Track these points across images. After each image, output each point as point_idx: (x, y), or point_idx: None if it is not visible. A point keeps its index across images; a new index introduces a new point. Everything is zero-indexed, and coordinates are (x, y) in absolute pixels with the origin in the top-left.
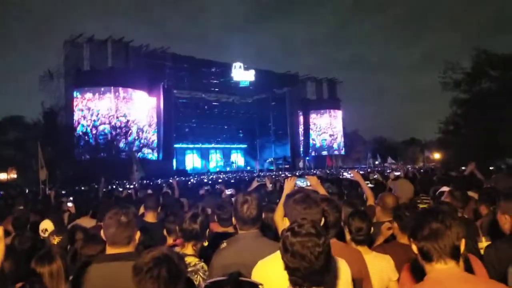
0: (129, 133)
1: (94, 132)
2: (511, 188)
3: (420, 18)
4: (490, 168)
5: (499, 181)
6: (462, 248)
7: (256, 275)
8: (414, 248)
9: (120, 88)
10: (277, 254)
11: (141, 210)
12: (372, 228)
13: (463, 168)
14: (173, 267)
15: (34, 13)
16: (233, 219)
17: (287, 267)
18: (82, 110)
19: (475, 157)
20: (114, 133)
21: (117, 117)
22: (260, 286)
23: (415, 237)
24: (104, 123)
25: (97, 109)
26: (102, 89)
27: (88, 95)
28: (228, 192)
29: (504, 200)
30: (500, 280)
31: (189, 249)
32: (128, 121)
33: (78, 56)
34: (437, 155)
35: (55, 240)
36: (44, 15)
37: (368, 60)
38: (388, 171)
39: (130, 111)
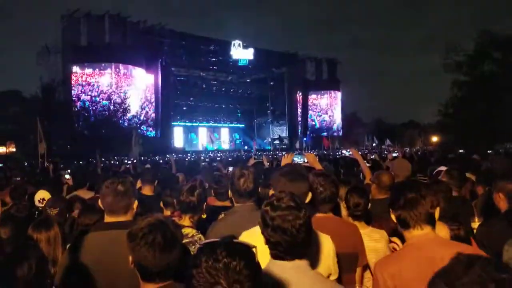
0: (127, 109)
1: (93, 107)
2: (506, 168)
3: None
4: (489, 151)
5: (495, 162)
6: (437, 215)
7: None
8: (393, 217)
9: (120, 65)
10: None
11: (138, 184)
12: (369, 204)
13: (461, 151)
14: (169, 233)
15: None
16: (229, 192)
17: (268, 242)
18: (82, 86)
19: (474, 140)
20: (113, 108)
21: (115, 93)
22: (253, 248)
23: (393, 207)
24: (103, 99)
25: (97, 85)
26: (102, 65)
27: (88, 70)
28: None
29: (499, 179)
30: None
31: (186, 221)
32: (125, 98)
33: (76, 31)
34: (435, 138)
35: (53, 212)
36: None
37: (369, 41)
38: (385, 152)
39: (128, 87)
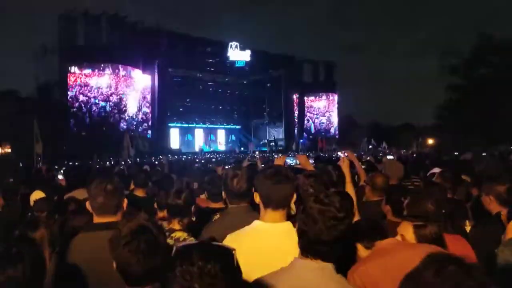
0: (123, 110)
1: (90, 108)
2: (497, 170)
3: (421, 3)
4: (483, 154)
5: (489, 165)
6: None
7: None
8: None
9: (119, 65)
10: (245, 229)
11: (132, 186)
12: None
13: (456, 153)
14: (152, 239)
15: None
16: (223, 193)
17: (298, 228)
18: (79, 86)
19: (469, 143)
20: (110, 109)
21: (111, 94)
22: (232, 251)
23: None
24: (101, 100)
25: (94, 85)
26: (101, 65)
27: (86, 70)
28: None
29: (487, 181)
30: (484, 260)
31: (176, 224)
32: (121, 98)
33: (73, 31)
34: (430, 141)
35: (40, 216)
36: None
37: (366, 44)
38: (380, 154)
39: (127, 89)
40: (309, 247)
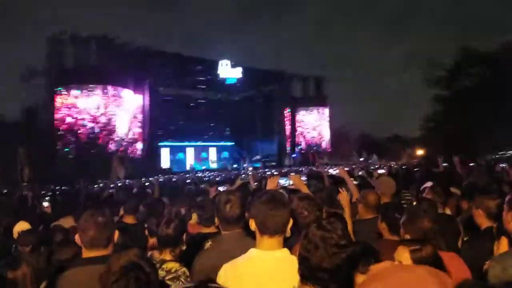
0: (113, 131)
1: (78, 130)
2: (487, 183)
3: (406, 18)
4: (470, 164)
5: (477, 177)
6: None
7: (221, 279)
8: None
9: (108, 86)
10: (242, 258)
11: (121, 211)
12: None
13: (444, 164)
14: (143, 276)
15: (14, 10)
16: (216, 219)
17: (299, 255)
18: (67, 108)
19: (455, 153)
20: (99, 131)
21: (100, 115)
22: None
23: None
24: (89, 121)
25: (82, 107)
26: (90, 86)
27: (74, 92)
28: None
29: (478, 194)
30: (476, 276)
31: (167, 255)
32: (111, 119)
33: (61, 53)
34: (420, 152)
35: (26, 250)
36: (26, 11)
37: (355, 59)
38: (371, 167)
39: (115, 109)
40: (310, 274)
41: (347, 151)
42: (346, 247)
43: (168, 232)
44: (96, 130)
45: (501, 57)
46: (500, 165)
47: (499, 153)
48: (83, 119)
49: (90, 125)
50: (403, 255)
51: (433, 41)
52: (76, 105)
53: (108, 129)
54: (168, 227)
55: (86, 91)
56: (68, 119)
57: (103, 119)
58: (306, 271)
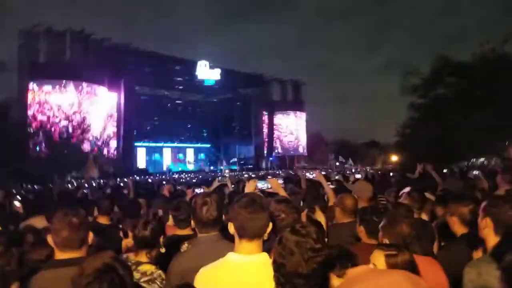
0: (87, 130)
1: (51, 128)
2: (461, 189)
3: (383, 27)
4: (444, 171)
5: (451, 183)
6: None
7: (198, 283)
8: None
9: (82, 82)
10: (220, 262)
11: (95, 212)
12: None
13: (416, 172)
14: (117, 280)
15: None
16: (192, 221)
17: (274, 261)
18: (39, 104)
19: (429, 160)
20: (72, 129)
21: (74, 113)
22: None
23: None
24: (63, 119)
25: (55, 104)
26: (62, 82)
27: (46, 88)
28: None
29: (452, 202)
30: (452, 282)
31: (143, 257)
32: (85, 117)
33: (34, 48)
34: (394, 158)
35: None
36: None
37: (332, 65)
38: (348, 172)
39: (89, 106)
40: (286, 280)
41: (323, 156)
42: (321, 251)
43: (145, 233)
44: (70, 128)
45: (477, 68)
46: (473, 172)
47: (472, 160)
48: (55, 116)
49: (63, 123)
50: (379, 259)
51: (411, 49)
52: (48, 102)
53: (82, 127)
54: (145, 229)
55: (59, 87)
56: (40, 116)
57: (76, 117)
58: (282, 278)
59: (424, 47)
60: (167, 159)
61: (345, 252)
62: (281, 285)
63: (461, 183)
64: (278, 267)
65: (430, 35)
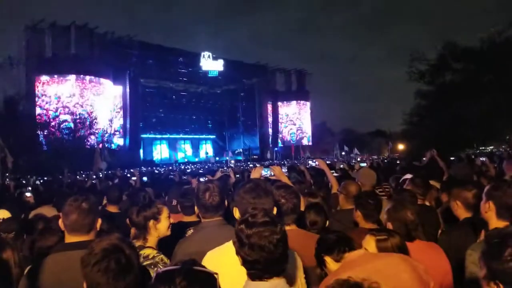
0: (93, 122)
1: (58, 121)
2: (465, 176)
3: (389, 14)
4: (451, 158)
5: (457, 170)
6: None
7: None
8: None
9: (85, 76)
10: (226, 245)
11: (104, 200)
12: (327, 222)
13: (424, 158)
14: (123, 259)
15: None
16: (196, 207)
17: (245, 261)
18: (46, 97)
19: (437, 148)
20: (78, 121)
21: (81, 106)
22: (215, 275)
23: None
24: (68, 112)
25: (62, 97)
26: (67, 77)
27: (52, 82)
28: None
29: (455, 187)
30: (454, 266)
31: (140, 242)
32: (91, 110)
33: (40, 42)
34: (401, 146)
35: (8, 236)
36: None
37: (337, 54)
38: (353, 161)
39: (95, 99)
40: (263, 272)
41: (328, 146)
42: (271, 224)
43: (137, 220)
44: (77, 121)
45: (485, 52)
46: (480, 159)
47: (480, 148)
48: (63, 109)
49: (70, 116)
50: (370, 243)
51: (417, 36)
52: (55, 95)
53: (89, 120)
54: (138, 216)
55: (65, 80)
56: (47, 110)
57: (83, 110)
58: (261, 271)
59: (430, 34)
60: (172, 150)
61: (342, 237)
62: (250, 275)
63: (468, 169)
64: (252, 265)
65: (436, 21)
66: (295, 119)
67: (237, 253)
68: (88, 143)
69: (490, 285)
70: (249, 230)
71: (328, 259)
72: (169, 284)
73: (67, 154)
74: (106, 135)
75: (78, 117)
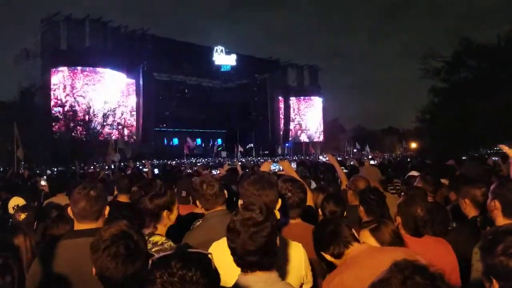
0: (107, 114)
1: (74, 113)
2: (476, 174)
3: (403, 10)
4: (463, 157)
5: (468, 168)
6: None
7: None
8: (328, 257)
9: (99, 69)
10: None
11: (115, 191)
12: (345, 212)
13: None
14: (132, 244)
15: None
16: (197, 202)
17: (228, 246)
18: (61, 89)
19: (449, 146)
20: (94, 114)
21: (95, 99)
22: (209, 255)
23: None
24: (85, 104)
25: (76, 90)
26: (82, 69)
27: (67, 74)
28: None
29: (463, 185)
30: (462, 263)
31: (150, 229)
32: (105, 103)
33: (55, 35)
34: (414, 144)
35: (21, 216)
36: None
37: (350, 50)
38: (364, 158)
39: (108, 92)
40: (241, 261)
41: (340, 142)
42: (264, 223)
43: (149, 207)
44: (91, 113)
45: (499, 49)
46: (493, 158)
47: (495, 148)
48: (77, 102)
49: (84, 108)
50: (367, 237)
51: (431, 33)
52: (69, 88)
53: (103, 112)
54: (151, 202)
55: (79, 73)
56: (62, 101)
57: (96, 103)
58: (238, 260)
59: (444, 30)
60: (183, 143)
61: (333, 231)
62: (241, 266)
63: (479, 168)
64: (232, 251)
65: (450, 18)
66: (306, 115)
67: (229, 245)
68: (102, 135)
69: (487, 280)
70: (235, 217)
71: (326, 256)
72: (165, 268)
73: (80, 146)
74: (120, 127)
75: (92, 109)
